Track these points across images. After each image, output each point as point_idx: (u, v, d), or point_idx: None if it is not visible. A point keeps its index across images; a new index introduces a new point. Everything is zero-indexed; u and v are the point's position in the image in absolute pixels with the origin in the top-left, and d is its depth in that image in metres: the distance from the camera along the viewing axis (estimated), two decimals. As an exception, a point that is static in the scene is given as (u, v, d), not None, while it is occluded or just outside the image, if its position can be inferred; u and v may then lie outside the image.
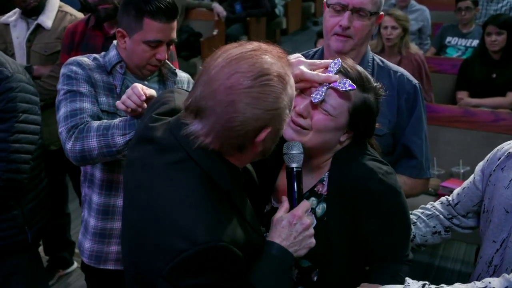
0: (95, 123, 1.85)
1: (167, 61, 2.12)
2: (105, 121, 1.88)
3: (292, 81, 1.31)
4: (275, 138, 1.34)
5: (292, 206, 1.43)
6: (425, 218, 1.94)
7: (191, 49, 6.59)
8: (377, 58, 2.04)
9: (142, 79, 2.08)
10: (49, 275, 3.53)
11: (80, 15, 3.32)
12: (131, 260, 1.35)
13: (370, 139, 1.63)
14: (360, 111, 1.50)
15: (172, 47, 2.60)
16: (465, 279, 1.73)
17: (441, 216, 1.93)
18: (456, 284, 1.50)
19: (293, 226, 1.38)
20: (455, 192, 1.94)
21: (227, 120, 1.21)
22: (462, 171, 3.58)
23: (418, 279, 1.53)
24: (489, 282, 1.46)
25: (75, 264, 3.63)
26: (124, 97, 1.79)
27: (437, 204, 1.98)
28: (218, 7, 7.04)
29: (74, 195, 3.56)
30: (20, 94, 2.09)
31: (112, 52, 2.05)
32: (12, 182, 2.08)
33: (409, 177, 2.02)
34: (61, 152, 2.00)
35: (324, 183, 1.56)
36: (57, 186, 3.40)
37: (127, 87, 1.85)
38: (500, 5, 6.03)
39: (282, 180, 1.61)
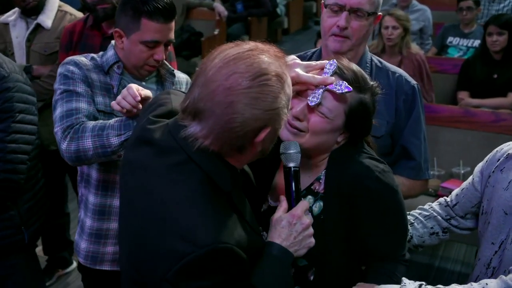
0: (91, 123, 1.85)
1: (165, 61, 2.12)
2: (101, 121, 1.87)
3: (289, 80, 1.31)
4: (274, 138, 1.34)
5: (291, 205, 1.43)
6: (422, 219, 1.93)
7: (192, 49, 6.58)
8: (375, 58, 2.03)
9: (139, 79, 2.07)
10: (49, 275, 3.53)
11: (80, 15, 3.32)
12: (132, 263, 1.33)
13: (367, 137, 1.62)
14: (356, 112, 1.50)
15: (171, 47, 2.59)
16: (465, 280, 1.72)
17: (439, 217, 1.92)
18: (453, 285, 1.49)
19: (293, 226, 1.38)
20: (454, 193, 1.93)
21: (226, 121, 1.21)
22: (462, 171, 3.57)
23: (418, 280, 1.52)
24: (486, 284, 1.46)
25: (74, 264, 3.62)
26: (119, 97, 1.79)
27: (435, 205, 1.97)
28: (219, 7, 7.04)
29: (73, 195, 3.56)
30: (17, 94, 2.08)
31: (110, 52, 2.05)
32: (9, 183, 2.07)
33: (408, 178, 2.01)
34: (60, 152, 1.99)
35: (321, 181, 1.56)
36: (57, 186, 3.41)
37: (124, 87, 1.85)
38: (502, 5, 6.01)
39: (279, 179, 1.61)
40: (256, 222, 1.41)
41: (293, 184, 1.44)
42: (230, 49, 1.26)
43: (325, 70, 1.50)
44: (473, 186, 1.82)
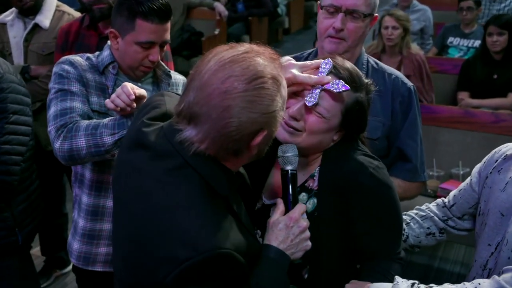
0: (84, 122, 1.84)
1: (161, 62, 2.11)
2: (94, 120, 1.87)
3: (284, 82, 1.31)
4: (270, 140, 1.33)
5: (287, 208, 1.43)
6: (419, 219, 1.93)
7: (192, 48, 6.58)
8: (372, 60, 2.02)
9: (135, 80, 2.07)
10: (46, 275, 3.54)
11: (78, 15, 3.30)
12: (127, 267, 1.32)
13: (360, 135, 1.62)
14: (352, 111, 1.51)
15: (167, 48, 2.59)
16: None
17: (436, 217, 1.91)
18: (446, 284, 1.49)
19: (290, 229, 1.38)
20: (451, 194, 1.93)
21: (222, 125, 1.20)
22: (461, 172, 3.56)
23: (417, 281, 1.51)
24: (479, 284, 1.46)
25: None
26: (113, 96, 1.79)
27: (432, 205, 1.97)
28: (219, 6, 7.02)
29: (71, 195, 3.52)
30: (10, 95, 2.07)
31: (106, 52, 2.04)
32: (2, 184, 2.07)
33: (404, 180, 2.00)
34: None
35: (314, 178, 1.56)
36: (54, 186, 3.41)
37: None
38: (503, 5, 5.99)
39: (273, 177, 1.62)
40: (251, 224, 1.41)
41: (290, 187, 1.44)
42: (225, 52, 1.25)
43: (320, 69, 1.50)
44: (471, 187, 1.82)
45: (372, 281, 1.51)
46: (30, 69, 3.13)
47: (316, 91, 1.46)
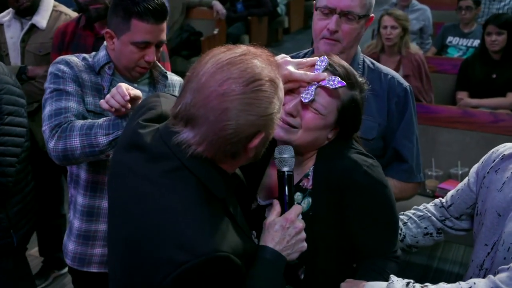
0: (79, 122, 1.84)
1: (158, 63, 2.10)
2: (89, 120, 1.86)
3: (281, 84, 1.31)
4: (267, 142, 1.33)
5: (284, 209, 1.43)
6: (416, 219, 1.92)
7: (192, 48, 6.58)
8: (368, 60, 2.01)
9: (131, 81, 2.06)
10: (45, 276, 3.54)
11: (75, 15, 3.29)
12: (124, 269, 1.32)
13: (355, 134, 1.62)
14: (348, 109, 1.51)
15: (164, 48, 2.58)
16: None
17: (433, 217, 1.91)
18: (441, 284, 1.48)
19: (286, 230, 1.38)
20: (449, 194, 1.93)
21: (220, 128, 1.20)
22: (460, 172, 3.55)
23: (416, 281, 1.51)
24: (474, 283, 1.45)
25: (70, 265, 3.61)
26: (108, 96, 1.78)
27: (430, 205, 1.97)
28: (217, 5, 7.01)
29: (69, 196, 3.55)
30: (5, 96, 2.07)
31: (102, 53, 2.03)
32: None
33: (399, 180, 2.00)
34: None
35: (309, 177, 1.56)
36: (52, 187, 3.41)
37: None
38: (503, 3, 5.98)
39: (268, 178, 1.62)
40: (247, 226, 1.41)
41: (287, 188, 1.44)
42: (222, 54, 1.25)
43: (316, 66, 1.50)
44: (469, 187, 1.81)
45: (368, 280, 1.51)
46: (27, 69, 3.13)
47: (312, 88, 1.46)
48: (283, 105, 1.44)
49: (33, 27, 3.20)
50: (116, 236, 1.37)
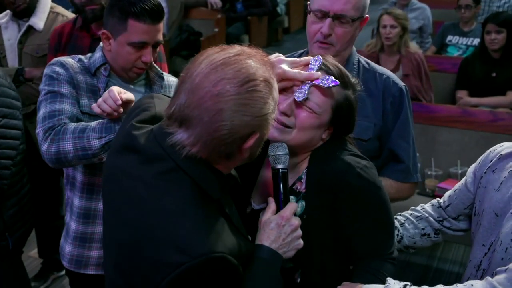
0: (72, 125, 1.83)
1: (154, 64, 2.10)
2: (82, 123, 1.86)
3: (276, 84, 1.30)
4: (261, 143, 1.33)
5: (279, 207, 1.43)
6: (413, 220, 1.91)
7: (191, 48, 6.58)
8: (363, 60, 2.00)
9: (128, 82, 2.05)
10: (44, 278, 3.53)
11: (72, 16, 3.28)
12: (120, 272, 1.31)
13: (348, 135, 1.62)
14: (342, 108, 1.50)
15: (161, 49, 2.57)
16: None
17: (431, 218, 1.90)
18: (439, 286, 1.47)
19: (281, 228, 1.38)
20: (447, 194, 1.92)
21: (215, 129, 1.19)
22: (460, 171, 3.54)
23: (417, 282, 1.50)
24: (472, 285, 1.44)
25: (70, 267, 3.61)
26: (100, 100, 1.78)
27: (427, 206, 1.95)
28: None
29: (69, 198, 3.55)
30: (0, 99, 2.06)
31: (98, 54, 2.03)
32: None
33: (396, 181, 1.99)
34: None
35: (302, 180, 1.55)
36: (52, 189, 3.40)
37: None
38: (503, 1, 5.97)
39: (262, 180, 1.61)
40: (243, 226, 1.40)
41: (281, 186, 1.44)
42: (216, 54, 1.24)
43: (310, 66, 1.50)
44: (466, 187, 1.80)
45: (364, 282, 1.50)
46: (24, 71, 3.12)
47: (306, 87, 1.46)
48: (277, 105, 1.43)
49: (30, 28, 3.19)
50: (111, 238, 1.36)
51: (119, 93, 1.76)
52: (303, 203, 1.52)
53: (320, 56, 1.51)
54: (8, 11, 3.26)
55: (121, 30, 1.92)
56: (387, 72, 1.99)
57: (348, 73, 1.54)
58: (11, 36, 3.22)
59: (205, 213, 1.23)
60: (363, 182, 1.46)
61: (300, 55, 2.04)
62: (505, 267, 1.44)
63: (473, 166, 1.81)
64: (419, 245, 1.92)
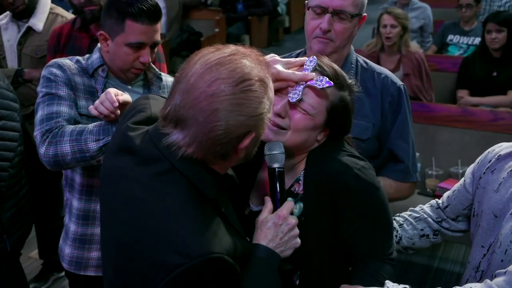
0: (69, 128, 1.83)
1: (152, 65, 2.09)
2: (80, 125, 1.85)
3: (271, 83, 1.30)
4: (257, 143, 1.32)
5: (276, 206, 1.42)
6: (412, 221, 1.90)
7: (191, 49, 6.53)
8: (361, 59, 2.00)
9: (126, 83, 2.05)
10: (44, 279, 3.53)
11: (71, 17, 3.29)
12: (118, 274, 1.31)
13: (346, 136, 1.61)
14: (337, 109, 1.50)
15: (160, 49, 2.57)
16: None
17: (430, 219, 1.89)
18: None
19: (278, 227, 1.38)
20: (445, 195, 1.91)
21: (210, 129, 1.19)
22: (460, 171, 3.53)
23: (418, 282, 1.49)
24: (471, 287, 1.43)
25: (70, 267, 3.61)
26: (97, 102, 1.77)
27: (426, 207, 1.94)
28: None
29: (69, 199, 3.54)
30: None
31: (95, 55, 2.02)
32: None
33: (395, 180, 1.98)
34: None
35: (300, 182, 1.54)
36: (52, 190, 3.40)
37: None
38: (504, 1, 5.94)
39: (260, 182, 1.60)
40: (241, 226, 1.40)
41: (278, 184, 1.43)
42: (210, 54, 1.23)
43: (305, 66, 1.49)
44: (465, 188, 1.79)
45: (363, 283, 1.49)
46: (23, 72, 3.13)
47: (300, 88, 1.45)
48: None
49: (30, 29, 3.19)
50: (109, 240, 1.36)
51: (116, 95, 1.76)
52: (301, 204, 1.52)
53: (315, 57, 1.50)
54: (8, 12, 3.26)
55: (119, 31, 1.91)
56: (385, 71, 1.99)
57: (344, 74, 1.54)
58: (11, 37, 3.23)
59: (202, 213, 1.22)
60: (361, 183, 1.46)
61: (297, 55, 2.03)
62: (505, 270, 1.43)
63: (471, 166, 1.80)
64: (418, 246, 1.92)
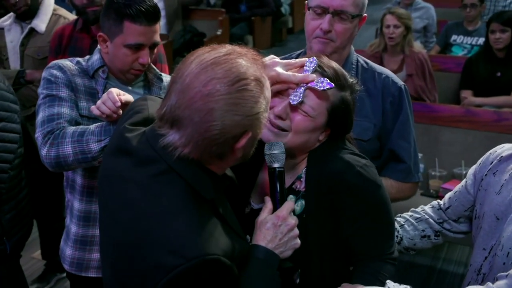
0: (71, 129, 1.83)
1: (152, 65, 2.09)
2: (81, 126, 1.85)
3: (268, 83, 1.29)
4: (254, 143, 1.32)
5: (275, 206, 1.42)
6: (413, 221, 1.89)
7: (194, 50, 6.56)
8: (361, 59, 1.99)
9: (126, 84, 2.05)
10: (47, 279, 3.53)
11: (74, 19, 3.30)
12: (116, 276, 1.31)
13: (347, 134, 1.60)
14: (338, 110, 1.49)
15: (162, 50, 2.57)
16: (466, 284, 1.69)
17: (431, 220, 1.88)
18: None
19: (278, 228, 1.37)
20: (447, 196, 1.89)
21: (206, 129, 1.18)
22: (464, 172, 3.50)
23: (420, 283, 1.48)
24: None
25: (73, 268, 3.61)
26: (99, 102, 1.77)
27: (427, 208, 1.94)
28: None
29: (72, 200, 3.55)
30: None
31: (96, 56, 2.02)
32: None
33: (397, 180, 1.97)
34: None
35: (301, 179, 1.54)
36: (54, 191, 3.40)
37: None
38: (508, 1, 5.92)
39: (262, 180, 1.60)
40: (240, 227, 1.39)
41: (278, 184, 1.43)
42: (206, 54, 1.23)
43: (305, 68, 1.49)
44: (466, 189, 1.78)
45: (364, 283, 1.49)
46: (25, 73, 3.13)
47: (301, 90, 1.45)
48: (272, 108, 1.43)
49: (32, 31, 3.20)
50: (107, 241, 1.37)
51: (118, 94, 1.76)
52: (303, 202, 1.51)
53: (315, 57, 1.50)
54: (12, 13, 3.27)
55: (117, 32, 1.91)
56: (386, 71, 1.98)
57: (345, 73, 1.53)
58: (14, 38, 3.23)
59: (199, 214, 1.22)
60: (363, 181, 1.45)
61: (298, 56, 2.02)
62: (506, 273, 1.41)
63: (473, 167, 1.79)
64: (419, 246, 1.91)
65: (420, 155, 2.08)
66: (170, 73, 2.40)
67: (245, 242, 1.38)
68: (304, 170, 1.54)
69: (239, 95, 1.19)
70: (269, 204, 1.42)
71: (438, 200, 1.93)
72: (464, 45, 5.28)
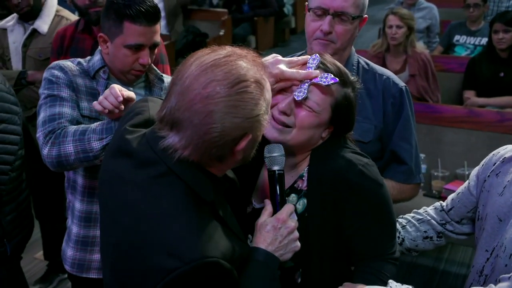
0: (72, 128, 1.83)
1: (153, 66, 2.09)
2: (82, 125, 1.85)
3: (268, 85, 1.29)
4: (255, 144, 1.31)
5: (275, 209, 1.42)
6: (415, 222, 1.89)
7: (197, 50, 6.56)
8: (362, 60, 1.98)
9: (127, 84, 2.05)
10: (49, 280, 3.54)
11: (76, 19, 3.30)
12: (115, 277, 1.31)
13: (348, 133, 1.60)
14: (341, 107, 1.49)
15: (163, 50, 2.57)
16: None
17: (433, 221, 1.88)
18: None
19: (277, 230, 1.37)
20: (450, 197, 1.89)
21: (205, 131, 1.18)
22: (466, 172, 3.49)
23: (422, 283, 1.48)
24: None
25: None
26: (101, 97, 1.77)
27: (430, 209, 1.93)
28: None
29: (73, 200, 3.55)
30: None
31: (97, 57, 2.03)
32: None
33: (398, 182, 1.96)
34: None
35: (303, 178, 1.54)
36: (56, 191, 3.40)
37: None
38: (511, 1, 5.90)
39: (263, 179, 1.60)
40: (240, 228, 1.39)
41: (278, 187, 1.43)
42: (206, 56, 1.23)
43: (308, 65, 1.49)
44: (469, 190, 1.77)
45: (365, 282, 1.48)
46: (27, 74, 3.14)
47: (305, 86, 1.45)
48: (276, 104, 1.43)
49: (35, 31, 3.21)
50: (106, 243, 1.37)
51: (120, 90, 1.76)
52: (305, 200, 1.51)
53: (317, 54, 1.49)
54: (15, 14, 3.27)
55: (117, 33, 1.91)
56: (387, 72, 1.97)
57: (347, 71, 1.53)
58: (16, 39, 3.24)
59: (198, 217, 1.22)
60: (365, 179, 1.45)
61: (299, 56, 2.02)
62: (509, 275, 1.41)
63: (476, 169, 1.78)
64: (421, 248, 1.90)
65: (422, 155, 2.07)
66: (172, 74, 2.40)
67: (245, 245, 1.38)
68: (306, 169, 1.54)
69: (239, 97, 1.18)
70: (269, 207, 1.42)
71: (441, 202, 1.93)
72: (467, 45, 5.26)
